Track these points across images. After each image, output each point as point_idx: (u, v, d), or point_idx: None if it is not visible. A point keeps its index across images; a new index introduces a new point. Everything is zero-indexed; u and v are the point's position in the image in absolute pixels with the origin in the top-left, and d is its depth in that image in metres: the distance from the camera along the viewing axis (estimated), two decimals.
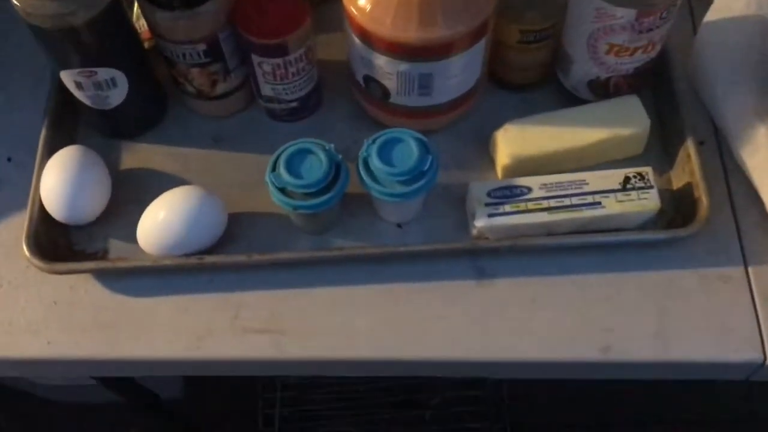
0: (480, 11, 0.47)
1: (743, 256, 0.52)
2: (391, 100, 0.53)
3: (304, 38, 0.51)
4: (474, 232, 0.51)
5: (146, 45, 0.59)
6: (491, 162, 0.55)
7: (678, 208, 0.53)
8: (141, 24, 0.59)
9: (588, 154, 0.53)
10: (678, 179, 0.54)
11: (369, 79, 0.52)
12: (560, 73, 0.56)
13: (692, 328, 0.49)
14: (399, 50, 0.48)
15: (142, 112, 0.56)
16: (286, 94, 0.55)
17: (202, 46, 0.51)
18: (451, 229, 0.53)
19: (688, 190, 0.52)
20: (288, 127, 0.58)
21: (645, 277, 0.51)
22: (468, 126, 0.57)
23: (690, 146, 0.52)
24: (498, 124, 0.55)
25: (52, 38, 0.47)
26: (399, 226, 0.54)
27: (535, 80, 0.57)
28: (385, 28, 0.47)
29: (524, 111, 0.57)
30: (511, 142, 0.53)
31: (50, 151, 0.54)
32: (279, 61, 0.52)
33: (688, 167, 0.52)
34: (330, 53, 0.58)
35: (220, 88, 0.56)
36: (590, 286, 0.51)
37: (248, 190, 0.54)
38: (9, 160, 0.58)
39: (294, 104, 0.56)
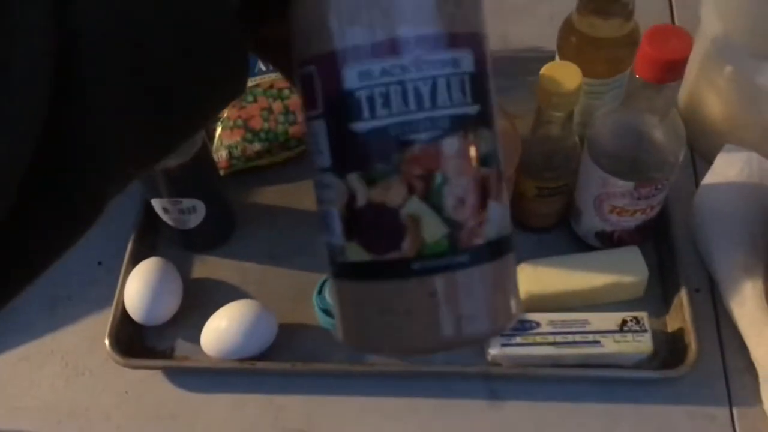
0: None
1: (729, 397, 0.58)
2: None
3: None
4: (489, 357, 0.59)
5: (222, 173, 0.70)
6: None
7: (671, 350, 0.59)
8: (219, 155, 0.70)
9: (593, 296, 0.61)
10: (672, 323, 0.61)
11: None
12: (572, 221, 0.64)
13: None
14: None
15: (213, 232, 0.67)
16: None
17: None
18: (470, 351, 0.61)
19: (680, 334, 0.59)
20: None
21: (639, 410, 0.58)
22: None
23: (684, 295, 0.60)
24: (516, 260, 0.63)
25: (148, 176, 0.58)
26: None
27: (551, 225, 0.66)
28: None
29: (540, 251, 0.66)
30: (526, 280, 0.61)
31: (135, 260, 0.65)
32: None
33: (681, 314, 0.59)
34: None
35: None
36: (589, 415, 0.58)
37: (298, 302, 0.63)
38: (99, 263, 0.68)
39: None
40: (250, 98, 0.71)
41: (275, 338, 0.61)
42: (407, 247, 0.25)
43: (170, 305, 0.63)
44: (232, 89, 0.25)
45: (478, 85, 0.25)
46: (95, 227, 0.71)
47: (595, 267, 0.61)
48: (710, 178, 0.64)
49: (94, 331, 0.64)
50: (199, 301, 0.64)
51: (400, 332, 0.26)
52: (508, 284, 0.27)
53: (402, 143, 0.24)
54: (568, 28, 0.61)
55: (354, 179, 0.25)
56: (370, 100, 0.24)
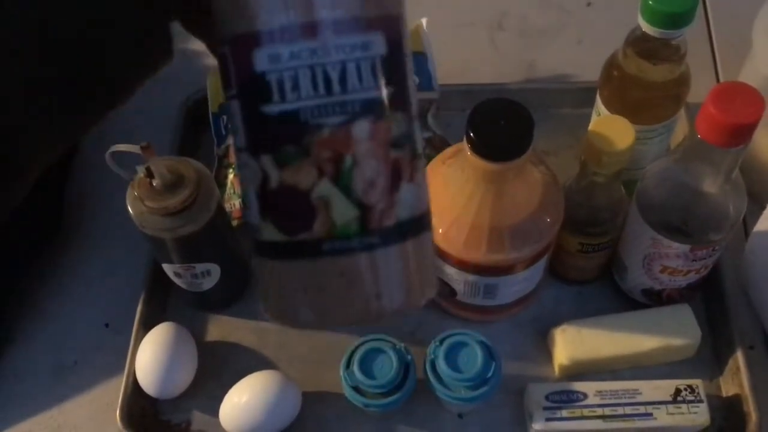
0: (543, 237, 0.52)
1: None
2: (458, 298, 0.57)
3: None
4: (531, 431, 0.55)
5: (235, 223, 0.65)
6: (549, 355, 0.59)
7: (727, 418, 0.55)
8: (231, 204, 0.65)
9: (641, 359, 0.57)
10: (728, 387, 0.56)
11: (438, 279, 0.57)
12: (616, 275, 0.60)
13: None
14: (468, 266, 0.53)
15: (229, 292, 0.62)
16: None
17: None
18: (509, 422, 0.56)
19: (737, 401, 0.55)
20: None
21: None
22: (527, 316, 0.61)
23: (740, 358, 0.55)
24: (556, 316, 0.59)
25: (160, 242, 0.53)
26: (460, 416, 0.57)
27: (593, 278, 0.61)
28: (457, 249, 0.52)
29: (581, 304, 0.61)
30: (569, 343, 0.56)
31: (145, 323, 0.60)
32: None
33: (738, 379, 0.55)
34: None
35: None
36: None
37: (321, 366, 0.59)
38: (106, 325, 0.64)
39: None
40: None
41: (299, 410, 0.57)
42: (318, 228, 0.25)
43: (185, 376, 0.58)
44: (156, 62, 0.27)
45: (390, 67, 0.25)
46: (101, 287, 0.66)
47: (643, 328, 0.56)
48: (763, 224, 0.60)
49: (103, 403, 0.60)
50: (216, 369, 0.60)
51: (314, 308, 0.26)
52: (421, 262, 0.27)
53: (311, 127, 0.24)
54: (612, 69, 0.56)
55: (266, 161, 0.25)
56: (280, 83, 0.24)
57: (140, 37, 0.25)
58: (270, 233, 0.26)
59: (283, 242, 0.26)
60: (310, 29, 0.24)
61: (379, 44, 0.25)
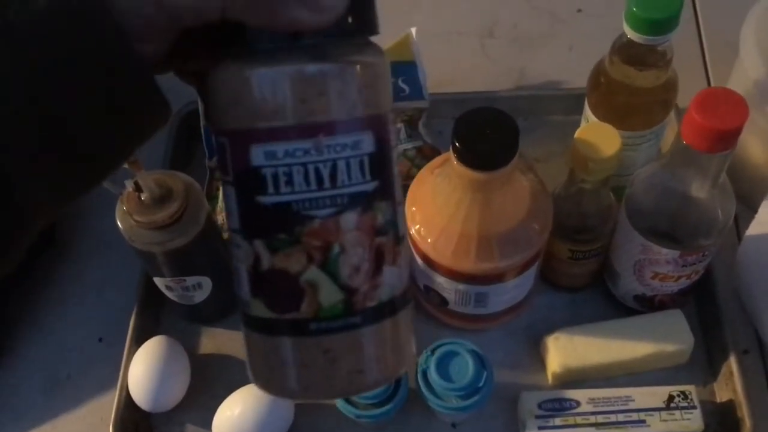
0: (532, 245, 0.52)
1: None
2: (449, 307, 0.57)
3: None
4: None
5: (226, 236, 0.65)
6: (542, 363, 0.59)
7: (722, 423, 0.55)
8: (223, 216, 0.65)
9: (634, 366, 0.56)
10: (722, 392, 0.56)
11: (429, 289, 0.57)
12: (608, 282, 0.60)
13: None
14: (458, 275, 0.53)
15: (221, 304, 0.62)
16: None
17: None
18: (503, 431, 0.56)
19: (731, 407, 0.54)
20: None
21: None
22: (520, 324, 0.61)
23: (733, 363, 0.55)
24: (549, 324, 0.59)
25: (150, 256, 0.53)
26: (453, 426, 0.57)
27: (585, 285, 0.61)
28: (446, 259, 0.52)
29: (573, 311, 0.61)
30: (562, 351, 0.56)
31: (138, 337, 0.60)
32: None
33: (731, 384, 0.55)
34: None
35: None
36: None
37: None
38: (100, 340, 0.64)
39: None
40: None
41: (292, 422, 0.57)
42: (305, 309, 0.27)
43: (178, 389, 0.58)
44: (153, 127, 0.27)
45: (377, 162, 0.27)
46: (94, 301, 0.66)
47: (636, 335, 0.56)
48: (755, 228, 0.59)
49: (97, 417, 0.60)
50: (208, 382, 0.60)
51: (299, 382, 0.28)
52: (400, 337, 0.29)
53: (303, 217, 0.26)
54: (599, 76, 0.56)
55: (259, 245, 0.27)
56: (275, 177, 0.26)
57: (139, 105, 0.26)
58: (259, 310, 0.27)
59: (272, 319, 0.27)
60: (305, 131, 0.25)
61: (368, 142, 0.26)
